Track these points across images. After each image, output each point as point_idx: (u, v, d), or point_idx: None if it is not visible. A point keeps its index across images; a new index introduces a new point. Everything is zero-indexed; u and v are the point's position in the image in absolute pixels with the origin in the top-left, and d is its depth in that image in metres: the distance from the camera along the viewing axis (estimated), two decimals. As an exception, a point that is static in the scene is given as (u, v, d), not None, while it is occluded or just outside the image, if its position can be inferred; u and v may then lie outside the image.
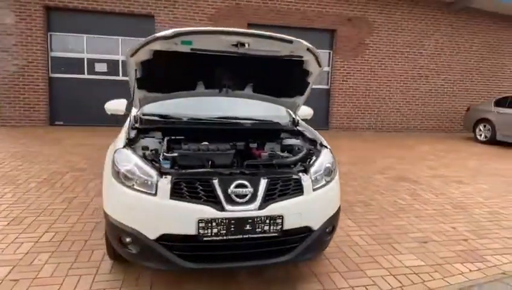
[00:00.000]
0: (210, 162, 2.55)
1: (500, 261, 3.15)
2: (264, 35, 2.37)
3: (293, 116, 3.42)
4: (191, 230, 2.16)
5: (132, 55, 2.52)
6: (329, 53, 10.96)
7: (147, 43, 2.38)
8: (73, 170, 5.40)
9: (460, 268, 2.99)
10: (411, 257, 3.15)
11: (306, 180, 2.41)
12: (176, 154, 2.55)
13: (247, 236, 2.23)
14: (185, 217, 2.17)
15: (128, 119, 3.06)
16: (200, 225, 2.16)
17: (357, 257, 3.08)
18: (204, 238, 2.18)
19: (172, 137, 2.80)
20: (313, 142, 2.97)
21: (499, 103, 9.87)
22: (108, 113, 3.60)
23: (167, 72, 2.75)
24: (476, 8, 11.06)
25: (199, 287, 2.53)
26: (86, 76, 9.77)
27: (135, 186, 2.27)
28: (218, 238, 2.20)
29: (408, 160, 7.38)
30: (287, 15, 10.35)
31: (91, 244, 3.11)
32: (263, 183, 2.29)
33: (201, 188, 2.22)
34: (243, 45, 2.41)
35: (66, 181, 4.85)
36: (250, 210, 2.22)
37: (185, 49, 2.48)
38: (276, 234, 2.28)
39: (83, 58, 9.72)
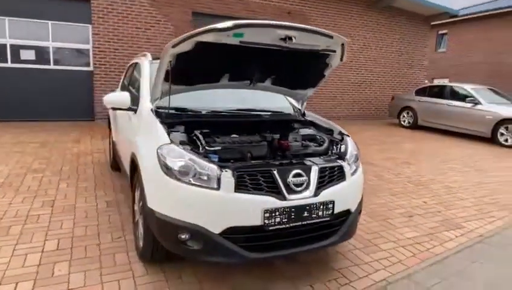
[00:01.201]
0: (249, 154, 2.59)
1: (473, 226, 3.77)
2: (310, 30, 2.47)
3: (299, 107, 3.58)
4: (257, 221, 2.21)
5: (175, 46, 2.42)
6: (271, 45, 11.25)
7: (198, 34, 2.31)
8: (31, 171, 4.82)
9: (448, 235, 3.52)
10: (407, 229, 3.59)
11: (346, 166, 2.61)
12: (219, 147, 2.53)
13: (305, 223, 2.35)
14: (251, 209, 2.21)
15: (128, 113, 2.95)
16: (266, 215, 2.22)
17: (366, 234, 3.41)
18: (270, 228, 2.25)
19: (203, 131, 2.75)
20: (328, 131, 3.17)
21: (419, 92, 11.27)
22: (108, 106, 3.35)
23: (198, 65, 2.67)
24: (396, 7, 12.37)
25: (247, 279, 2.58)
26: (9, 65, 8.57)
27: (193, 182, 2.22)
28: (281, 226, 2.28)
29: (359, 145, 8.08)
30: (231, 5, 10.35)
31: (106, 247, 2.91)
32: (315, 171, 2.42)
33: (263, 179, 2.28)
34: (290, 38, 2.47)
35: (29, 184, 4.34)
36: (306, 198, 2.34)
37: (234, 41, 2.45)
38: (328, 219, 2.45)
39: (5, 45, 8.50)
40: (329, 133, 3.14)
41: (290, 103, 3.69)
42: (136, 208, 2.94)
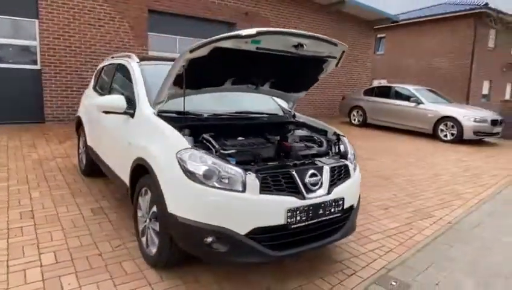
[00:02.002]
0: (259, 156, 2.67)
1: (441, 214, 4.21)
2: (320, 38, 2.61)
3: (288, 108, 3.73)
4: (281, 220, 2.32)
5: (192, 51, 2.42)
6: (229, 45, 11.31)
7: (219, 40, 2.33)
8: (-8, 180, 4.41)
9: (423, 224, 3.90)
10: (387, 221, 3.92)
11: (350, 165, 2.81)
12: (233, 150, 2.59)
13: (320, 219, 2.51)
14: (276, 209, 2.31)
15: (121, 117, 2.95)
16: (288, 214, 2.33)
17: (355, 227, 3.66)
18: (292, 226, 2.37)
19: (211, 134, 2.77)
20: (322, 131, 3.35)
21: (367, 92, 12.06)
22: (101, 111, 3.20)
23: (207, 69, 2.68)
24: (344, 12, 13.09)
25: (262, 276, 2.67)
26: None
27: (217, 185, 2.26)
28: (301, 224, 2.41)
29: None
30: (189, 4, 10.21)
31: (110, 257, 2.82)
32: (326, 171, 2.59)
33: (284, 180, 2.38)
34: (301, 46, 2.59)
35: (-4, 194, 3.98)
36: (321, 196, 2.49)
37: (251, 47, 2.51)
38: (339, 214, 2.63)
39: None
40: (323, 134, 3.33)
41: (279, 105, 3.83)
42: (140, 214, 2.88)
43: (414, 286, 2.66)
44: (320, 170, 2.57)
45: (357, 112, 12.09)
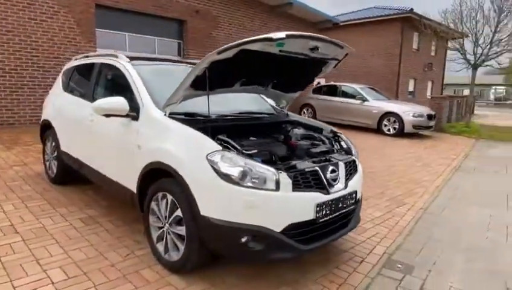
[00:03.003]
0: (277, 155, 2.76)
1: (412, 201, 4.67)
2: (331, 41, 2.75)
3: (280, 108, 3.85)
4: (311, 215, 2.44)
5: (220, 52, 2.41)
6: (180, 43, 11.10)
7: (248, 43, 2.36)
8: None
9: (401, 210, 4.30)
10: (371, 210, 4.24)
11: (356, 160, 3.02)
12: (255, 150, 2.64)
13: (340, 212, 2.68)
14: (307, 205, 2.42)
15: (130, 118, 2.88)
16: (317, 209, 2.46)
17: (346, 218, 3.91)
18: (320, 220, 2.50)
19: (224, 135, 2.77)
20: (318, 129, 3.52)
21: (315, 91, 12.66)
22: (100, 114, 3.02)
23: (223, 71, 2.68)
24: (291, 13, 13.54)
25: (286, 269, 2.77)
26: None
27: (251, 185, 2.30)
28: (326, 218, 2.56)
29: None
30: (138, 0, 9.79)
31: (124, 267, 2.70)
32: (342, 166, 2.76)
33: (311, 177, 2.50)
34: (317, 48, 2.72)
35: (-41, 210, 3.53)
36: (340, 190, 2.66)
37: (275, 50, 2.55)
38: (353, 207, 2.82)
39: None
40: (319, 132, 3.50)
41: (270, 105, 3.92)
42: (152, 220, 2.79)
43: (416, 266, 2.96)
44: (336, 165, 2.73)
45: (307, 109, 12.62)
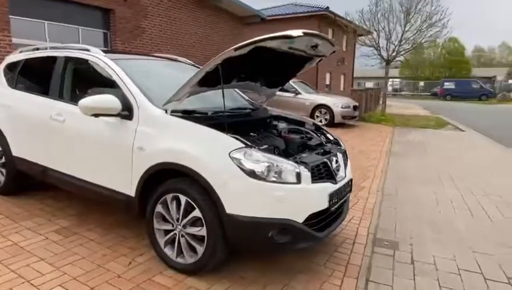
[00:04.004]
0: (280, 149, 2.86)
1: (368, 185, 5.14)
2: (328, 39, 2.88)
3: (258, 103, 3.91)
4: (325, 204, 2.59)
5: (238, 49, 2.38)
6: (106, 33, 10.30)
7: (265, 40, 2.37)
8: None
9: (364, 194, 4.72)
10: (339, 196, 4.57)
11: (346, 150, 3.26)
12: (266, 145, 2.69)
13: (343, 199, 2.88)
14: (323, 195, 2.57)
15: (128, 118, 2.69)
16: (330, 198, 2.62)
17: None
18: (331, 209, 2.67)
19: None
20: (300, 123, 3.68)
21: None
22: (89, 114, 2.73)
23: (229, 67, 2.64)
24: (220, 7, 13.46)
25: (295, 260, 2.89)
26: None
27: (275, 180, 2.37)
28: (335, 206, 2.74)
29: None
30: (57, -15, 8.80)
31: (132, 276, 2.56)
32: (340, 156, 2.97)
33: (323, 169, 2.65)
34: (317, 46, 2.83)
35: None
36: (343, 179, 2.87)
37: (285, 47, 2.59)
38: (349, 194, 3.05)
39: None
40: (302, 125, 3.67)
41: (246, 100, 3.96)
42: (157, 225, 2.66)
43: (400, 242, 3.33)
44: (337, 156, 2.93)
45: (241, 103, 12.77)
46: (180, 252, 2.60)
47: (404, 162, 6.89)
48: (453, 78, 39.15)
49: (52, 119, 3.24)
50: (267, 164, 2.35)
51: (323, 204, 2.57)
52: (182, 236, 2.57)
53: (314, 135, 3.39)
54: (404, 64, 43.77)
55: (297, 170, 2.43)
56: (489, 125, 13.72)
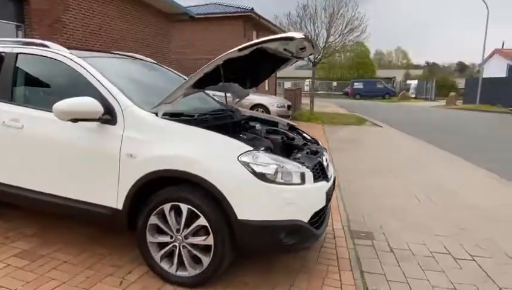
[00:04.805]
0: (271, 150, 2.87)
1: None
2: (314, 43, 2.94)
3: (230, 105, 3.85)
4: (323, 202, 2.66)
5: (242, 50, 2.30)
6: (20, 26, 9.10)
7: (268, 41, 2.33)
8: None
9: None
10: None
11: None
12: (263, 147, 2.66)
13: (331, 196, 2.99)
14: (322, 193, 2.63)
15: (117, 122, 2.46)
16: (326, 196, 2.71)
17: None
18: (327, 206, 2.75)
19: None
20: (274, 123, 3.72)
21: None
22: (66, 119, 2.39)
23: (225, 69, 2.54)
24: (148, 3, 12.82)
25: (300, 260, 2.91)
26: None
27: (283, 182, 2.37)
28: (329, 203, 2.83)
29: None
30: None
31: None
32: (325, 155, 3.08)
33: (319, 168, 2.72)
34: (304, 48, 2.87)
35: None
36: (331, 176, 2.98)
37: (281, 48, 2.55)
38: (333, 190, 3.18)
39: None
40: (275, 125, 3.71)
41: (217, 101, 3.87)
42: (151, 239, 2.47)
43: (374, 232, 3.58)
44: (324, 155, 3.03)
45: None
46: (181, 265, 2.44)
47: (344, 157, 7.37)
48: (361, 78, 42.89)
49: (4, 125, 2.77)
50: (275, 166, 2.33)
51: (322, 202, 2.64)
52: (184, 247, 2.41)
53: (295, 135, 3.45)
54: (319, 66, 46.74)
55: (302, 171, 2.46)
56: (400, 120, 15.39)
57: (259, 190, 2.27)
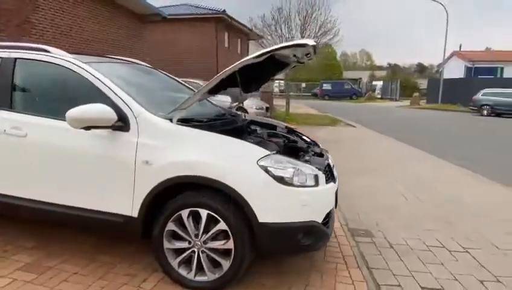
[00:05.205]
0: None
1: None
2: (316, 49, 3.02)
3: (227, 109, 3.88)
4: (333, 203, 2.76)
5: (260, 56, 2.35)
6: (-15, 27, 8.62)
7: (284, 48, 2.39)
8: None
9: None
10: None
11: (323, 150, 3.50)
12: (275, 150, 2.72)
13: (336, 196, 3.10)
14: (332, 195, 2.73)
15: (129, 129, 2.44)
16: (335, 196, 2.81)
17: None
18: (336, 207, 2.85)
19: None
20: (273, 126, 3.78)
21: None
22: (79, 127, 2.34)
23: (237, 76, 2.58)
24: (119, 4, 12.49)
25: (308, 260, 2.99)
26: None
27: (300, 184, 2.44)
28: (336, 204, 2.93)
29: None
30: None
31: None
32: (330, 156, 3.18)
33: (328, 169, 2.82)
34: (309, 54, 2.94)
35: None
36: (336, 177, 3.08)
37: (291, 54, 2.61)
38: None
39: None
40: (274, 129, 3.77)
41: (214, 105, 3.89)
42: (168, 245, 2.46)
43: (371, 230, 3.73)
44: (329, 157, 3.14)
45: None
46: (200, 270, 2.45)
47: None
48: (329, 80, 43.91)
49: (5, 134, 2.65)
50: (292, 169, 2.40)
51: (332, 203, 2.74)
52: (203, 252, 2.42)
53: (296, 138, 3.53)
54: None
55: (315, 173, 2.54)
56: (371, 120, 15.95)
57: (279, 193, 2.33)
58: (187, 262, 2.48)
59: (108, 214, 2.53)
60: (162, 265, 2.51)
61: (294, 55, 2.86)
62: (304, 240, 2.44)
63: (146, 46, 15.21)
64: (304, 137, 3.65)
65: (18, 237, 3.12)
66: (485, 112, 19.86)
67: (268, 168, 2.33)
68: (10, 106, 2.74)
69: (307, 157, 2.88)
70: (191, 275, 2.46)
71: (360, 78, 49.49)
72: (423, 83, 41.69)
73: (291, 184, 2.36)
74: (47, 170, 2.63)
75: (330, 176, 2.82)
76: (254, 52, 2.56)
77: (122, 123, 2.48)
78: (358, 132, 12.39)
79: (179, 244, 2.47)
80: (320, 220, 2.53)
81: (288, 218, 2.36)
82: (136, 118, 2.49)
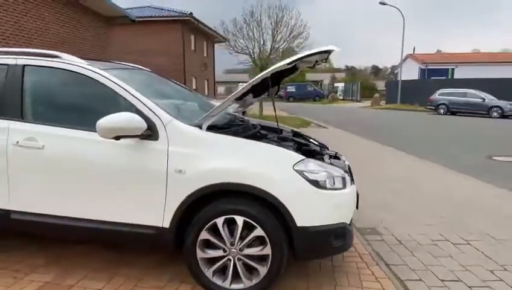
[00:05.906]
0: None
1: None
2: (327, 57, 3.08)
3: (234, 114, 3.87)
4: (355, 204, 2.85)
5: (291, 63, 2.38)
6: None
7: (311, 55, 2.44)
8: None
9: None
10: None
11: (335, 152, 3.59)
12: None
13: (357, 198, 3.19)
14: (355, 196, 2.81)
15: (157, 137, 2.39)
16: (357, 198, 2.89)
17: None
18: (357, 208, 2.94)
19: None
20: (278, 130, 3.82)
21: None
22: (110, 137, 2.25)
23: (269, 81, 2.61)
24: (85, 6, 11.98)
25: (329, 260, 3.05)
26: None
27: (331, 187, 2.50)
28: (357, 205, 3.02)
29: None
30: None
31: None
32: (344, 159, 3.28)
33: (349, 171, 2.90)
34: (326, 59, 3.00)
35: None
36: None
37: (314, 60, 2.66)
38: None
39: None
40: (280, 132, 3.81)
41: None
42: (202, 255, 2.43)
43: (377, 227, 3.88)
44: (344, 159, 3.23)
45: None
46: (235, 278, 2.43)
47: (312, 159, 7.71)
48: (293, 82, 44.75)
49: (18, 146, 2.47)
50: (325, 173, 2.46)
51: (355, 204, 2.83)
52: (239, 260, 2.41)
53: (306, 141, 3.59)
54: (251, 70, 47.72)
55: (343, 176, 2.61)
56: (339, 121, 16.46)
57: (315, 197, 2.38)
58: (221, 271, 2.46)
59: (138, 226, 2.45)
60: (196, 275, 2.46)
61: (316, 61, 2.92)
62: (335, 242, 2.50)
63: (112, 50, 14.69)
64: (311, 140, 3.72)
65: (23, 254, 2.93)
66: (441, 111, 21.16)
67: (304, 172, 2.37)
68: (21, 116, 2.57)
69: (328, 160, 2.95)
70: (226, 284, 2.43)
71: (322, 80, 50.89)
72: (380, 84, 43.67)
73: (324, 187, 2.42)
74: (71, 183, 2.49)
75: (352, 178, 2.90)
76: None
77: (150, 131, 2.41)
78: (331, 133, 12.74)
79: (214, 253, 2.43)
80: (348, 221, 2.61)
81: (323, 221, 2.41)
82: (164, 126, 2.43)
